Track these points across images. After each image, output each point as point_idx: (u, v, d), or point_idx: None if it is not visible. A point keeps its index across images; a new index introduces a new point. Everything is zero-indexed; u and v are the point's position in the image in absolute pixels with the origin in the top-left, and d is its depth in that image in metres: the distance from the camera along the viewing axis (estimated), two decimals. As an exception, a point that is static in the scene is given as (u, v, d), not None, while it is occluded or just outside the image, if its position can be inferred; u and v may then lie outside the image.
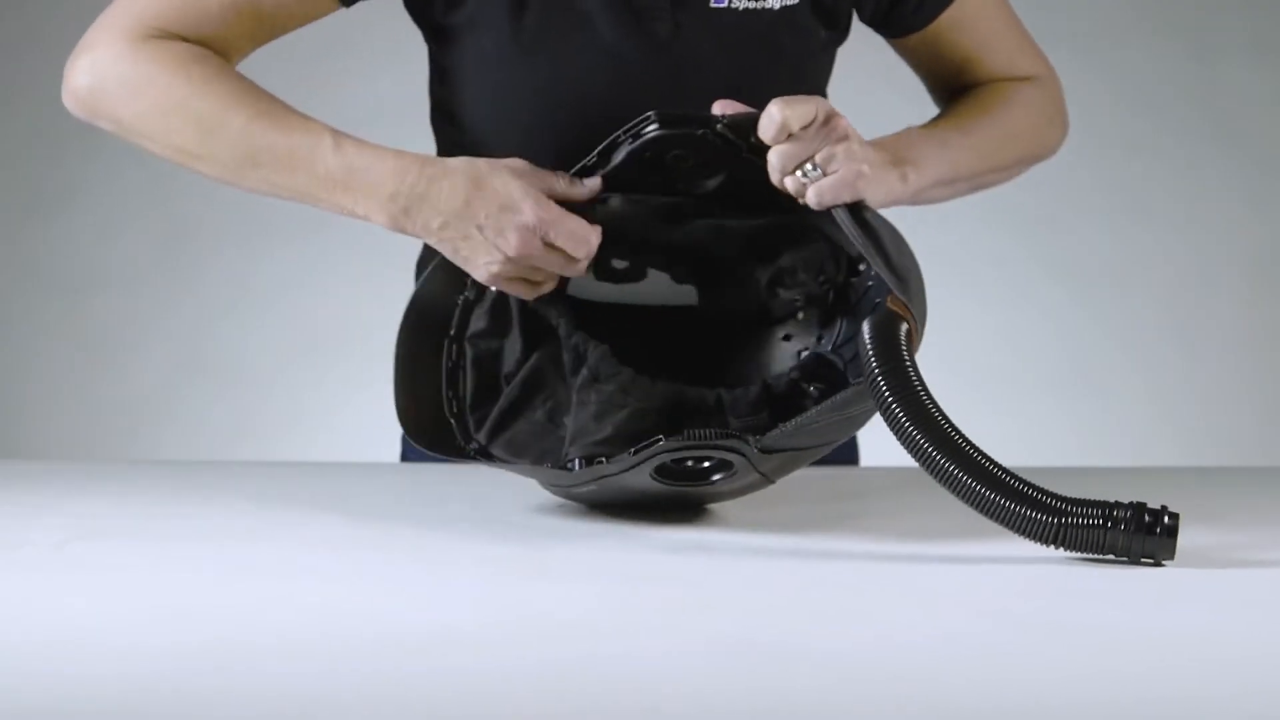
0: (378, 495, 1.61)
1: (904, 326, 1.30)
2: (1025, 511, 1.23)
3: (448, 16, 1.53)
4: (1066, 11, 3.69)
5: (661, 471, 1.36)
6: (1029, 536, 1.25)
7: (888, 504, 1.51)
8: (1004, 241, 3.73)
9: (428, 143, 1.66)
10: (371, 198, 1.44)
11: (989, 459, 1.25)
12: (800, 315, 1.54)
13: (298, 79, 1.60)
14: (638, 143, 1.42)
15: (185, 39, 1.51)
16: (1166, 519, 1.25)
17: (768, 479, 1.40)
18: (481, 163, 1.45)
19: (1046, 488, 1.25)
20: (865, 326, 1.30)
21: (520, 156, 1.47)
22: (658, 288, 1.56)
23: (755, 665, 1.02)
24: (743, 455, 1.35)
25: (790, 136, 1.38)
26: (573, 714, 0.94)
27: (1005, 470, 1.25)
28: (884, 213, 1.45)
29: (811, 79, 1.62)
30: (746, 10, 1.53)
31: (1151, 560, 1.25)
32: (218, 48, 1.52)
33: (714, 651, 1.05)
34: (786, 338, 1.54)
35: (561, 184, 1.45)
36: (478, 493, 1.55)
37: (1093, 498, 1.26)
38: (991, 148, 1.62)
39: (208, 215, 3.79)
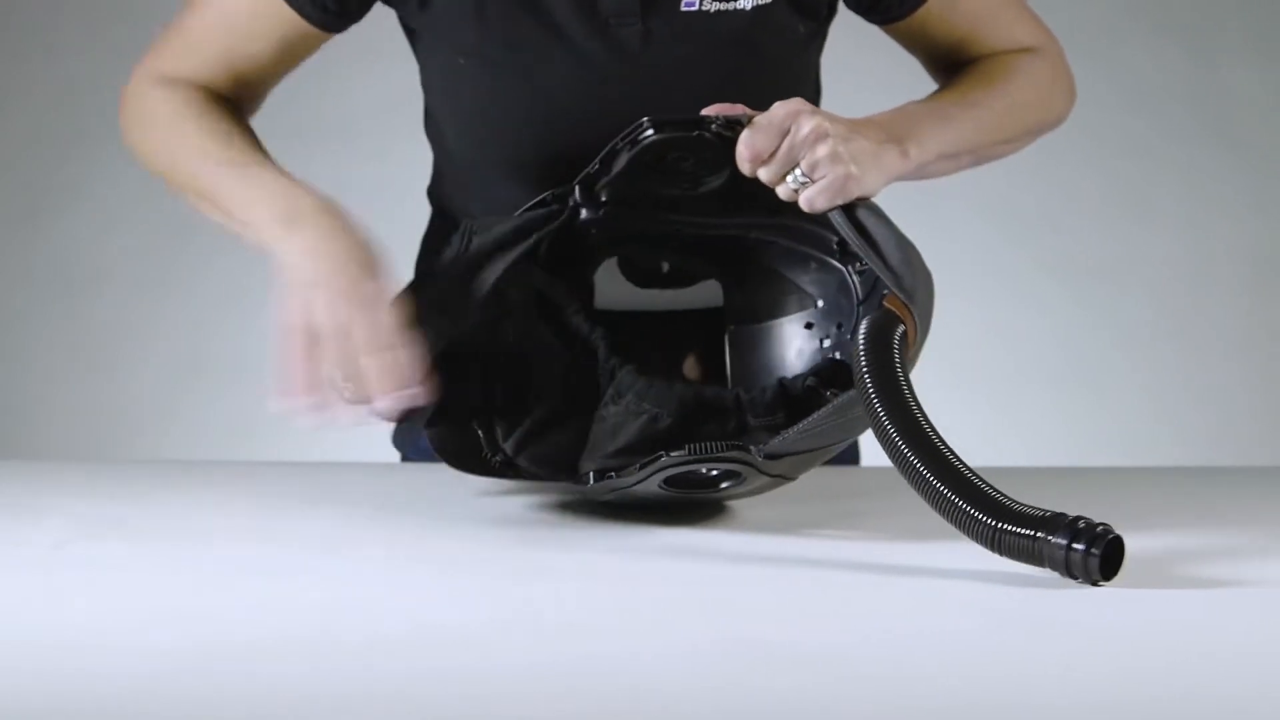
0: (378, 495, 1.60)
1: (900, 328, 1.31)
2: (970, 514, 1.20)
3: (418, 19, 1.53)
4: (1064, 11, 3.67)
5: (671, 482, 1.38)
6: (973, 539, 1.21)
7: (888, 504, 1.51)
8: (1002, 240, 3.72)
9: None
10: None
11: (961, 463, 1.22)
12: (820, 304, 1.53)
13: (305, 74, 1.60)
14: (636, 148, 1.42)
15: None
16: (1094, 546, 1.16)
17: (785, 477, 1.40)
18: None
19: (1009, 495, 1.21)
20: (861, 327, 1.30)
21: (505, 165, 1.52)
22: (684, 293, 1.57)
23: (755, 665, 1.02)
24: (748, 464, 1.36)
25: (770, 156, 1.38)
26: (573, 714, 0.94)
27: (974, 474, 1.22)
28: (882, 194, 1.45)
29: (793, 74, 1.60)
30: (718, 12, 1.51)
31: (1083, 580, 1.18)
32: (231, 97, 1.57)
33: (714, 651, 1.05)
34: (808, 325, 1.54)
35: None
36: (478, 493, 1.55)
37: (1047, 509, 1.19)
38: (996, 120, 1.59)
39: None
